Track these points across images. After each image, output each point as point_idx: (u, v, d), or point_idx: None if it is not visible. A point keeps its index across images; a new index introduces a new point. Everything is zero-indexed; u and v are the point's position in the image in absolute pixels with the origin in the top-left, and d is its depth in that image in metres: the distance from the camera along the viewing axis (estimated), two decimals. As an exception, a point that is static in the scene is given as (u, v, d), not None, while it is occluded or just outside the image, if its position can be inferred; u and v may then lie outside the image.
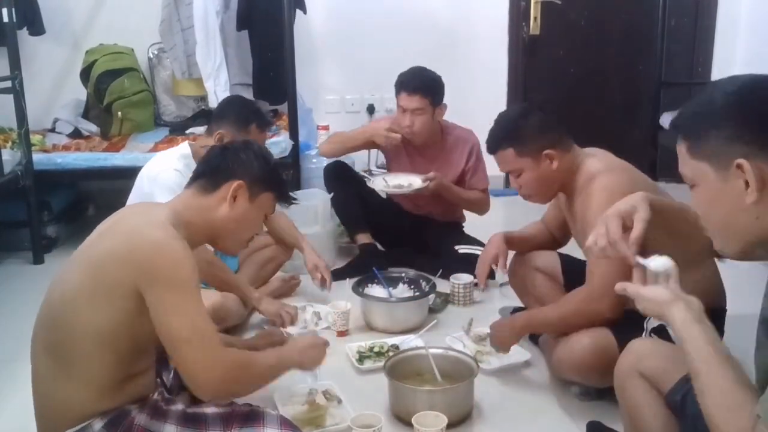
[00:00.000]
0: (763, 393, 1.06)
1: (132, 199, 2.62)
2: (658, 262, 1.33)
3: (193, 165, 2.55)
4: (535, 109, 2.21)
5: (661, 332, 1.78)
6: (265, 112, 4.26)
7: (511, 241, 2.48)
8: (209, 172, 1.69)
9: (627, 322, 1.89)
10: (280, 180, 1.80)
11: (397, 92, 3.06)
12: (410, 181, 3.08)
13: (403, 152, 3.20)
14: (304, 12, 4.11)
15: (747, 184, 1.09)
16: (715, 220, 1.19)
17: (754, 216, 1.11)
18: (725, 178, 1.12)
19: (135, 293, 1.44)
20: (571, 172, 2.12)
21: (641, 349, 1.57)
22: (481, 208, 3.26)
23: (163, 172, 2.51)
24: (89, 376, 1.48)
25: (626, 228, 1.46)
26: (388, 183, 3.12)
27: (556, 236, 2.48)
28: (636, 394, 1.54)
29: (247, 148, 1.74)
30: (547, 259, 2.42)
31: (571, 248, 2.44)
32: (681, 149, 1.20)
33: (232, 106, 2.72)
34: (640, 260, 1.37)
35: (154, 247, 1.45)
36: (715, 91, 1.16)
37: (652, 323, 1.86)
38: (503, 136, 2.18)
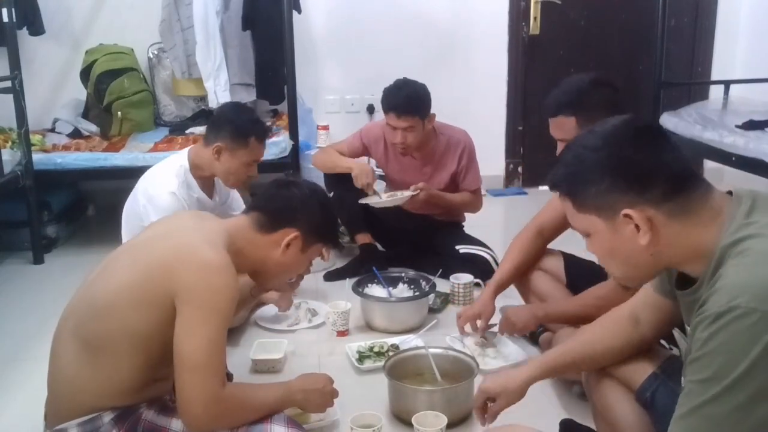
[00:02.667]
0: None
1: (127, 210, 2.61)
2: None
3: (191, 180, 2.54)
4: (606, 83, 2.09)
5: (668, 335, 1.77)
6: (264, 113, 4.29)
7: (502, 288, 2.43)
8: (270, 212, 1.68)
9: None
10: (335, 232, 1.83)
11: (385, 111, 3.02)
12: (398, 193, 3.08)
13: (396, 155, 3.21)
14: (299, 12, 4.10)
15: (637, 227, 1.16)
16: (616, 264, 1.27)
17: (650, 254, 1.19)
18: (615, 227, 1.19)
19: (172, 304, 1.45)
20: None
21: None
22: (474, 207, 3.28)
23: (159, 194, 2.46)
24: (115, 373, 1.50)
25: None
26: (380, 196, 3.08)
27: (546, 237, 2.43)
28: (606, 393, 1.55)
29: (314, 196, 1.73)
30: (551, 259, 2.42)
31: (573, 248, 2.44)
32: (567, 206, 1.26)
33: (229, 116, 2.59)
34: None
35: (202, 268, 1.46)
36: (581, 149, 1.22)
37: None
38: (569, 102, 2.04)
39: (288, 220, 1.67)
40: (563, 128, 2.07)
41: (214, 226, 1.63)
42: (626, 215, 1.16)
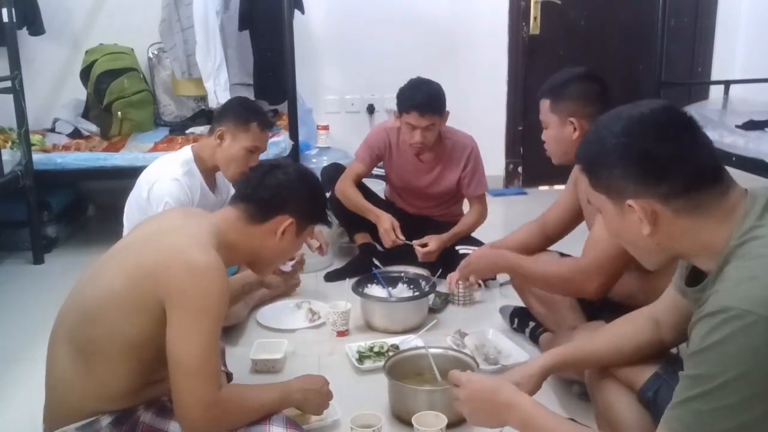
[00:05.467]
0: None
1: (129, 202, 2.61)
2: None
3: (195, 170, 2.56)
4: (592, 79, 2.17)
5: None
6: (267, 112, 4.29)
7: (498, 246, 2.48)
8: (260, 201, 1.64)
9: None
10: (325, 209, 1.80)
11: (405, 111, 2.97)
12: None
13: (400, 158, 3.21)
14: (302, 12, 4.11)
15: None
16: (624, 244, 1.30)
17: (655, 243, 1.21)
18: (622, 212, 1.21)
19: (162, 310, 1.44)
20: None
21: None
22: (482, 218, 3.23)
23: (161, 181, 2.47)
24: (110, 378, 1.48)
25: None
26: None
27: (549, 235, 2.45)
28: (608, 392, 1.55)
29: (303, 180, 1.71)
30: (548, 259, 2.42)
31: (573, 248, 2.44)
32: (585, 181, 1.29)
33: (233, 106, 2.71)
34: None
35: (191, 271, 1.43)
36: (604, 131, 1.23)
37: None
38: (548, 87, 2.19)
39: (280, 207, 1.63)
40: (541, 110, 2.20)
41: (203, 222, 1.59)
42: (629, 205, 1.17)
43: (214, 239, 1.53)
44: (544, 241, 2.45)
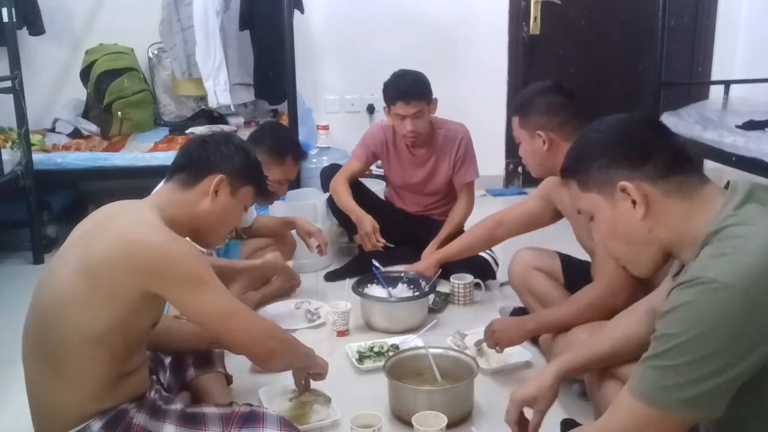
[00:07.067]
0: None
1: None
2: None
3: None
4: (556, 91, 2.22)
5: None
6: (263, 112, 4.31)
7: (444, 258, 2.74)
8: (189, 166, 1.66)
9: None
10: (260, 174, 1.78)
11: (391, 102, 3.02)
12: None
13: (397, 155, 3.22)
14: (302, 12, 4.11)
15: (633, 203, 1.24)
16: (618, 244, 1.32)
17: (647, 230, 1.25)
18: (614, 202, 1.27)
19: (139, 295, 1.44)
20: None
21: None
22: (468, 211, 3.20)
23: None
24: (84, 376, 1.48)
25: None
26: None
27: (503, 229, 2.56)
28: (608, 392, 1.55)
29: (228, 141, 1.72)
30: (547, 259, 2.43)
31: (572, 247, 2.44)
32: (573, 189, 1.36)
33: (271, 133, 2.70)
34: None
35: (160, 253, 1.44)
36: (590, 133, 1.36)
37: None
38: (516, 104, 2.30)
39: (209, 167, 1.64)
40: (513, 127, 2.28)
41: (142, 206, 1.59)
42: (622, 188, 1.24)
43: (158, 217, 1.53)
44: (496, 235, 2.58)
